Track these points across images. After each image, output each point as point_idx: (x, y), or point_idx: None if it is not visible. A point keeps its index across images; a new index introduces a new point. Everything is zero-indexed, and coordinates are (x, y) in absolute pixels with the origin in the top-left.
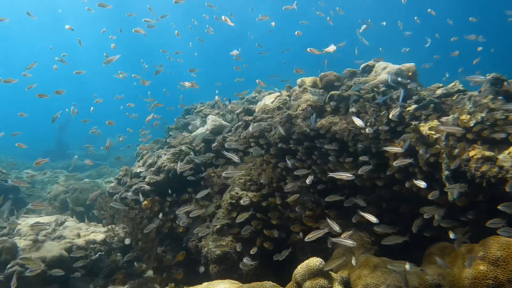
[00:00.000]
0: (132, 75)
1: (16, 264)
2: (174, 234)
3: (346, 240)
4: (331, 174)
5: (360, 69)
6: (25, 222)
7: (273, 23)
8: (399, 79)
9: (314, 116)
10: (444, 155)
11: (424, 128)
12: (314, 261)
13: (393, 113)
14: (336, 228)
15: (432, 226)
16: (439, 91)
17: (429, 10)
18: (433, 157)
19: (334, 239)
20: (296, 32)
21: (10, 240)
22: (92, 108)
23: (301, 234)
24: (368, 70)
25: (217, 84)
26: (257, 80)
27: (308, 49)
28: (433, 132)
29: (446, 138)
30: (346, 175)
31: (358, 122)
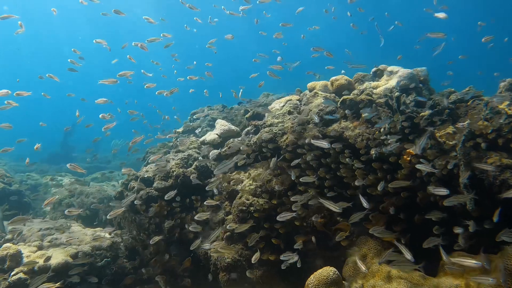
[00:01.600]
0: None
1: (21, 271)
2: (182, 239)
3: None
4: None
5: (371, 73)
6: (29, 228)
7: (284, 43)
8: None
9: (335, 115)
10: (461, 163)
11: (440, 135)
12: (328, 271)
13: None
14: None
15: (448, 234)
16: (453, 97)
17: (443, 6)
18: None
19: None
20: (313, 48)
21: (14, 246)
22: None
23: (313, 239)
24: (379, 74)
25: (232, 91)
26: (268, 72)
27: (314, 47)
28: (449, 139)
29: (463, 145)
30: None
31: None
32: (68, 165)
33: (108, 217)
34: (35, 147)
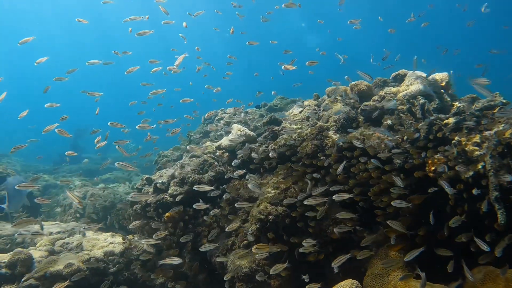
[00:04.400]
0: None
1: (32, 277)
2: (197, 246)
3: None
4: None
5: (391, 77)
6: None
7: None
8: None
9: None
10: (490, 174)
11: (465, 143)
12: (350, 284)
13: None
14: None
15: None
16: (479, 104)
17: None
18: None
19: None
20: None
21: (25, 251)
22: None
23: (335, 230)
24: (399, 79)
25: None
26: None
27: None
28: (476, 148)
29: (492, 155)
30: None
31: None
32: (116, 164)
33: (131, 226)
34: None
